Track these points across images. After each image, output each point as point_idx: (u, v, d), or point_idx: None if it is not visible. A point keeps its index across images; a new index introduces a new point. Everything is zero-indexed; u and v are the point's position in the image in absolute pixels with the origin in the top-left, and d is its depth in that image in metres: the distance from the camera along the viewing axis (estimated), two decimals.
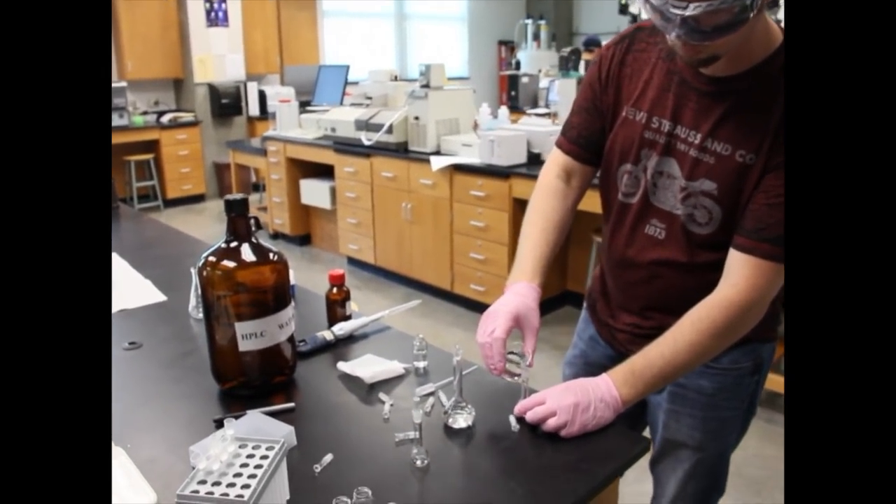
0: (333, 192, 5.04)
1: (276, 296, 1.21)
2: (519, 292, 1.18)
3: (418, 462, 1.02)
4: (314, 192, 5.25)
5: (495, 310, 1.16)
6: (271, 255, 1.21)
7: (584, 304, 1.49)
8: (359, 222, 4.78)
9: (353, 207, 4.79)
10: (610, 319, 1.38)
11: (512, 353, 1.14)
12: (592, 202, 1.45)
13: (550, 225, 1.30)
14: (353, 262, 5.04)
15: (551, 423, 1.07)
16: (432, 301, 4.35)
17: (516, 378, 1.16)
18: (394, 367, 1.31)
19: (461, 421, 1.12)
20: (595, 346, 1.44)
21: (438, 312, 4.19)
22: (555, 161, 1.37)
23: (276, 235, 5.80)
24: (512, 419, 1.13)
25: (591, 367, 1.43)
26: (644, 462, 1.08)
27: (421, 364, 1.34)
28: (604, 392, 1.10)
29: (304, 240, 5.70)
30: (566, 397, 1.09)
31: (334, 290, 1.53)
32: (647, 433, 1.43)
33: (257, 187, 7.22)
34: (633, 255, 1.26)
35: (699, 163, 1.14)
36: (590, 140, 1.31)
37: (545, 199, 1.33)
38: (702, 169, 1.13)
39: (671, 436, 1.36)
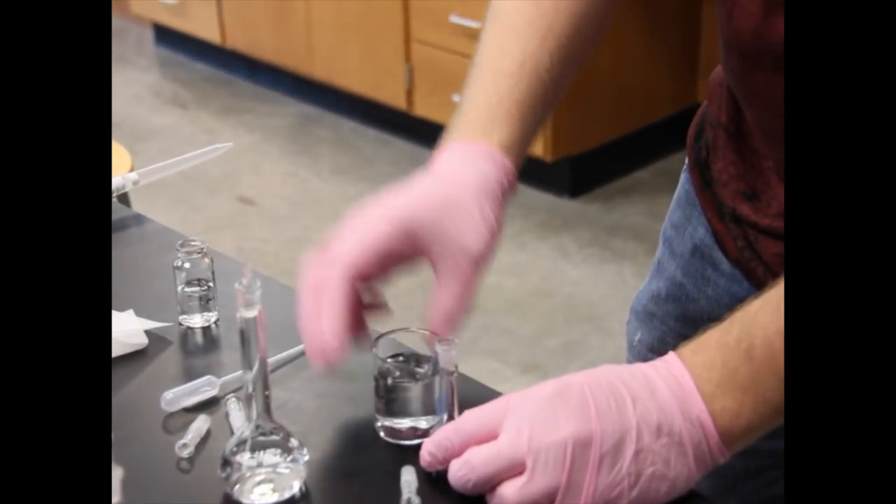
0: None
1: None
2: (450, 171, 0.77)
3: None
4: None
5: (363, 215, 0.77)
6: None
7: (685, 165, 1.03)
8: None
9: None
10: (747, 204, 0.89)
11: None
12: None
13: (554, 21, 0.86)
14: (168, 37, 3.70)
15: (511, 499, 0.62)
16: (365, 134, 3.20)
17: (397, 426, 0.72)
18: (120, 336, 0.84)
19: (265, 492, 0.65)
20: (708, 268, 0.96)
21: (381, 164, 2.83)
22: None
23: None
24: (408, 483, 0.66)
25: (693, 321, 0.93)
26: None
27: (195, 321, 0.84)
28: (667, 404, 0.65)
29: None
30: (557, 422, 0.65)
31: None
32: None
33: None
34: None
35: None
36: None
37: None
38: None
39: None
